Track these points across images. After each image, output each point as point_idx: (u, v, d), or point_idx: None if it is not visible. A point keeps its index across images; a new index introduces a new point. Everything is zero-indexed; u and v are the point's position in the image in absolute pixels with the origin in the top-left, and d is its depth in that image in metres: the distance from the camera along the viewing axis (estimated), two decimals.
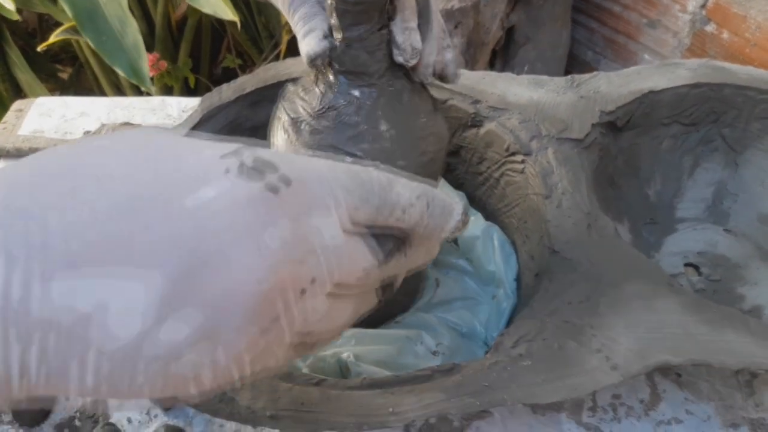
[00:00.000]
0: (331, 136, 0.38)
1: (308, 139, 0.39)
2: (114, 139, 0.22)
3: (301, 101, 0.40)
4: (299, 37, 0.37)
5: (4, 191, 0.20)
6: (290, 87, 0.42)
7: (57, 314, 0.18)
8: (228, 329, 0.21)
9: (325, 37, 0.36)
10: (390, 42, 0.38)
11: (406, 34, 0.38)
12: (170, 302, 0.19)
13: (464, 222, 0.28)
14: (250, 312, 0.21)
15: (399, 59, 0.38)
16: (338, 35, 0.37)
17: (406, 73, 0.41)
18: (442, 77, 0.42)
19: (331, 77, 0.39)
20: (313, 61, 0.37)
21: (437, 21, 0.40)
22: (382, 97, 0.39)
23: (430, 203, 0.27)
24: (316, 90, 0.40)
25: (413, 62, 0.39)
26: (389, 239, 0.26)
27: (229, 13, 0.94)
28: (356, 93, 0.39)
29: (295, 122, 0.40)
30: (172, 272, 0.20)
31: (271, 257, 0.21)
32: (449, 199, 0.28)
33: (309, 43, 0.37)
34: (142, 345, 0.19)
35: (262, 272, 0.21)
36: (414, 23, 0.38)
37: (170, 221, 0.20)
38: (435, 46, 0.40)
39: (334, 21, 0.37)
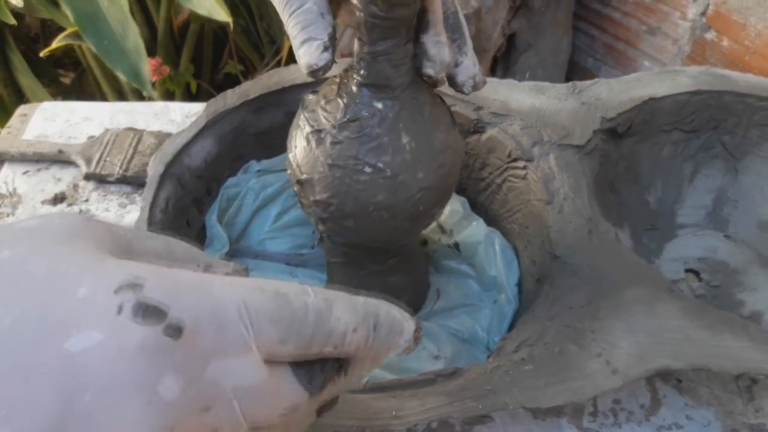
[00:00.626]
0: (353, 147, 0.39)
1: (329, 150, 0.39)
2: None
3: (324, 111, 0.40)
4: (295, 43, 0.36)
5: None
6: (311, 97, 0.42)
7: None
8: None
9: (326, 48, 0.35)
10: (414, 56, 0.39)
11: (437, 47, 0.38)
12: None
13: (417, 339, 0.26)
14: None
15: (429, 72, 0.38)
16: (365, 48, 0.38)
17: (427, 86, 0.41)
18: (474, 86, 0.42)
19: (354, 89, 0.39)
20: (314, 73, 0.36)
21: (468, 33, 0.41)
22: (404, 110, 0.39)
23: (376, 324, 0.24)
24: (339, 101, 0.39)
25: (441, 75, 0.39)
26: (326, 364, 0.23)
27: (222, 14, 0.94)
28: (379, 105, 0.39)
29: (318, 133, 0.40)
30: None
31: (165, 411, 0.18)
32: (400, 314, 0.25)
33: (309, 54, 0.35)
34: None
35: (153, 427, 0.18)
36: (444, 37, 0.38)
37: (46, 369, 0.17)
38: (474, 57, 0.40)
39: (362, 35, 0.37)
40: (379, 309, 0.25)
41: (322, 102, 0.40)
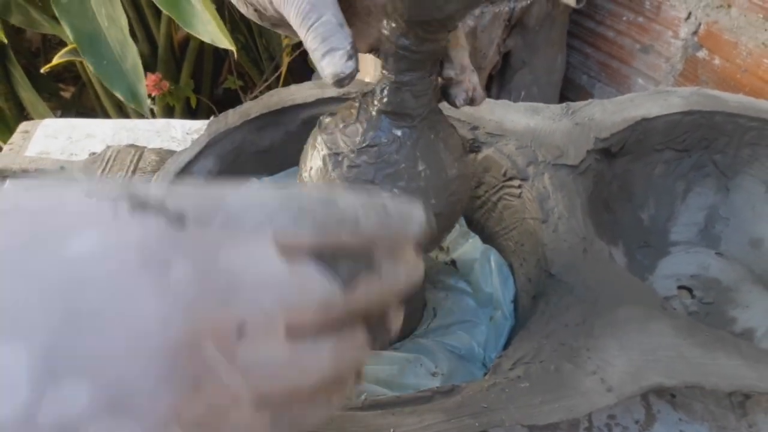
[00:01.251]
0: (370, 172, 0.39)
1: (346, 173, 0.39)
2: None
3: (342, 135, 0.40)
4: (317, 56, 0.35)
5: None
6: (327, 119, 0.42)
7: None
8: (138, 394, 0.17)
9: (350, 57, 0.34)
10: (435, 87, 0.40)
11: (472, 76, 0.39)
12: (46, 375, 0.16)
13: (431, 223, 0.25)
14: (163, 368, 0.17)
15: (460, 101, 0.40)
16: (390, 77, 0.38)
17: (444, 116, 0.42)
18: (472, 100, 0.42)
19: (375, 115, 0.40)
20: (340, 81, 0.35)
21: (465, 44, 0.42)
22: (422, 138, 0.40)
23: (386, 210, 0.23)
24: (358, 126, 0.40)
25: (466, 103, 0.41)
26: (347, 261, 0.22)
27: (226, 43, 0.96)
28: (398, 133, 0.39)
29: (335, 156, 0.40)
30: (46, 337, 0.16)
31: (179, 300, 0.17)
32: (404, 204, 0.25)
33: (333, 63, 0.34)
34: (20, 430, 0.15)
35: (169, 318, 0.17)
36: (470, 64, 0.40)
37: (45, 275, 0.17)
38: (472, 73, 0.41)
39: (388, 64, 0.38)
40: (383, 198, 0.24)
41: (341, 125, 0.41)
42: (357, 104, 0.41)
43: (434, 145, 0.40)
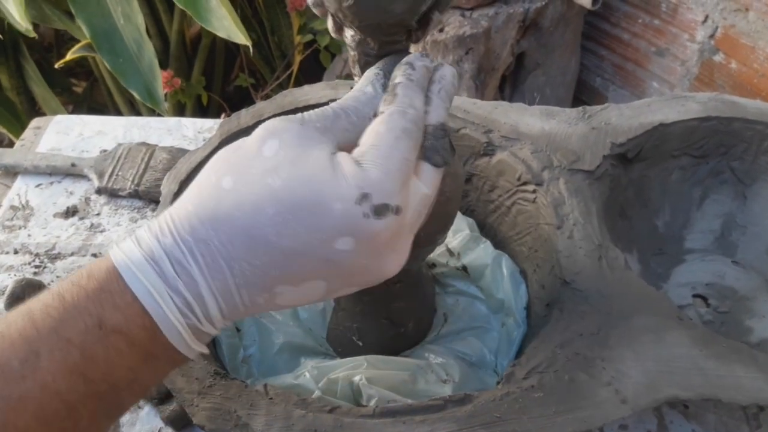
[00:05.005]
0: None
1: None
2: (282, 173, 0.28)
3: None
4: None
5: None
6: None
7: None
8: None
9: None
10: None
11: None
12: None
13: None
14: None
15: None
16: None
17: None
18: None
19: None
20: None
21: None
22: None
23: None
24: None
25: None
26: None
27: (242, 38, 0.95)
28: None
29: None
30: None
31: (399, 251, 0.31)
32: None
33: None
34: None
35: (397, 257, 0.30)
36: None
37: (326, 259, 0.28)
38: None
39: (357, 71, 0.38)
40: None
41: None
42: None
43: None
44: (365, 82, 0.33)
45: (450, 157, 0.35)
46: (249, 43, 0.96)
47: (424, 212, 0.31)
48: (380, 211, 0.28)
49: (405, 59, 0.34)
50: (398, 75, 0.33)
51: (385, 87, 0.33)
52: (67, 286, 0.27)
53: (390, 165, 0.29)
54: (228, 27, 0.95)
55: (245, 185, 0.27)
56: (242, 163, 0.28)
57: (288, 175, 0.27)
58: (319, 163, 0.28)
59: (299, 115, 0.31)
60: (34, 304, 0.27)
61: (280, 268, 0.27)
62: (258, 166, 0.28)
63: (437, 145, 0.32)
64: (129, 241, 0.28)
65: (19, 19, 0.92)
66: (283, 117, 0.30)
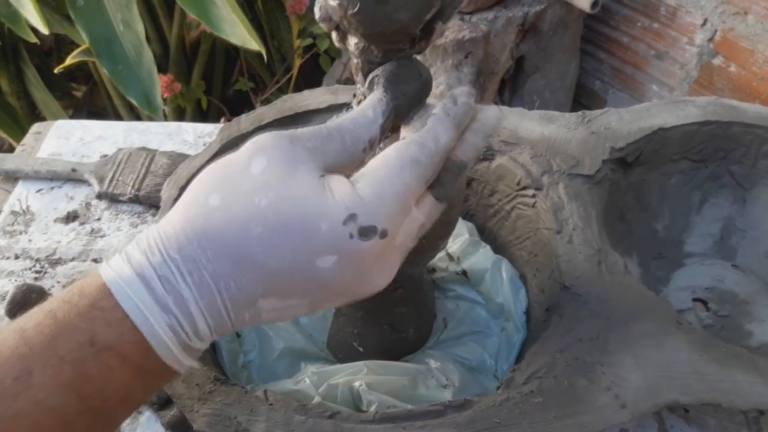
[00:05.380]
0: None
1: None
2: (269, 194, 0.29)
3: None
4: None
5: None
6: None
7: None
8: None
9: None
10: (415, 92, 0.39)
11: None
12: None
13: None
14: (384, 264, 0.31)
15: None
16: (362, 89, 0.38)
17: None
18: None
19: None
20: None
21: None
22: None
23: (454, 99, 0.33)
24: None
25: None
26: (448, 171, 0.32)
27: (254, 44, 0.95)
28: (380, 145, 0.39)
29: None
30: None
31: (383, 274, 0.31)
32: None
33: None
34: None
35: (380, 279, 0.31)
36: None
37: (310, 277, 0.28)
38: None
39: (360, 79, 0.38)
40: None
41: None
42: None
43: None
44: (368, 105, 0.33)
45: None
46: (263, 50, 0.96)
47: (417, 238, 0.32)
48: (366, 232, 0.28)
49: (452, 92, 0.34)
50: (438, 106, 0.33)
51: (385, 114, 0.33)
52: (59, 304, 0.28)
53: (386, 189, 0.29)
54: (241, 34, 0.95)
55: (232, 203, 0.28)
56: (230, 180, 0.29)
57: (275, 195, 0.28)
58: (306, 183, 0.29)
59: (291, 131, 0.31)
60: (26, 322, 0.28)
61: (266, 285, 0.28)
62: (245, 184, 0.28)
63: (447, 180, 0.32)
64: (119, 258, 0.29)
65: (37, 24, 0.93)
66: (273, 133, 0.31)
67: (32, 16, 0.92)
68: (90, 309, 0.27)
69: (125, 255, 0.29)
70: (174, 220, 0.29)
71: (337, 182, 0.29)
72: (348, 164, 0.32)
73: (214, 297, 0.28)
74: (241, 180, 0.29)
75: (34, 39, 1.01)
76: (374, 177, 0.30)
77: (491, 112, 0.34)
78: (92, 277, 0.29)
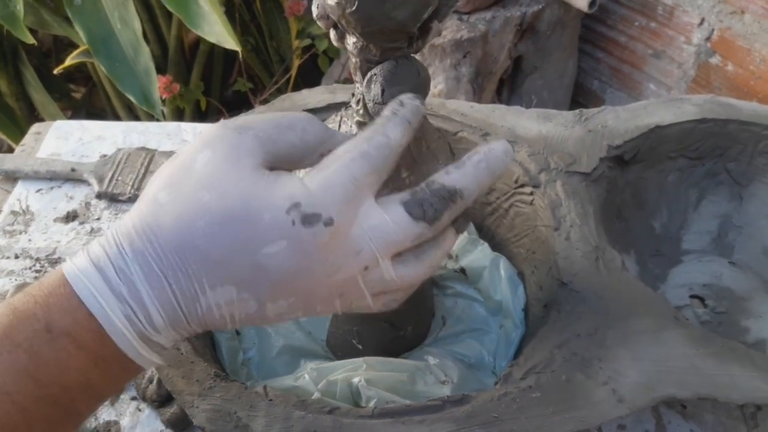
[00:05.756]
0: None
1: None
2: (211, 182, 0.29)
3: None
4: None
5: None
6: None
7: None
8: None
9: None
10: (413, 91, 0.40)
11: None
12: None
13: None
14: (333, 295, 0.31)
15: None
16: (361, 89, 0.39)
17: (426, 121, 0.42)
18: None
19: (354, 127, 0.40)
20: None
21: None
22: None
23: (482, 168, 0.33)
24: None
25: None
26: (436, 197, 0.32)
27: (231, 43, 0.96)
28: None
29: None
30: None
31: (337, 274, 0.30)
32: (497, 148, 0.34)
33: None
34: None
35: (333, 280, 0.30)
36: None
37: (254, 266, 0.29)
38: None
39: (359, 78, 0.38)
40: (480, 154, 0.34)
41: None
42: (338, 118, 0.42)
43: (416, 151, 0.40)
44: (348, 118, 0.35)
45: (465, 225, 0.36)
46: (239, 49, 0.96)
47: (384, 241, 0.31)
48: (309, 219, 0.29)
49: (399, 97, 0.34)
50: (385, 109, 0.33)
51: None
52: (19, 296, 0.29)
53: (332, 179, 0.30)
54: (219, 32, 0.96)
55: (178, 198, 0.29)
56: (176, 176, 0.30)
57: (218, 189, 0.29)
58: (250, 176, 0.29)
59: (245, 118, 0.32)
60: None
61: (211, 275, 0.29)
62: (191, 179, 0.29)
63: (426, 200, 0.31)
64: (80, 253, 0.30)
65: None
66: (223, 122, 0.31)
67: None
68: (47, 297, 0.28)
69: (85, 250, 0.30)
70: (130, 217, 0.30)
71: (284, 175, 0.30)
72: (300, 160, 0.32)
73: (164, 288, 0.28)
74: (186, 175, 0.29)
75: (31, 40, 1.01)
76: (322, 170, 0.30)
77: (498, 146, 0.34)
78: (53, 272, 0.30)
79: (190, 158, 0.30)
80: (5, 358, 0.27)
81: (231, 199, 0.28)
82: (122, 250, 0.29)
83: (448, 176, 0.32)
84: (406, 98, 0.34)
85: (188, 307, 0.29)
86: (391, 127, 0.32)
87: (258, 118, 0.32)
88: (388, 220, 0.31)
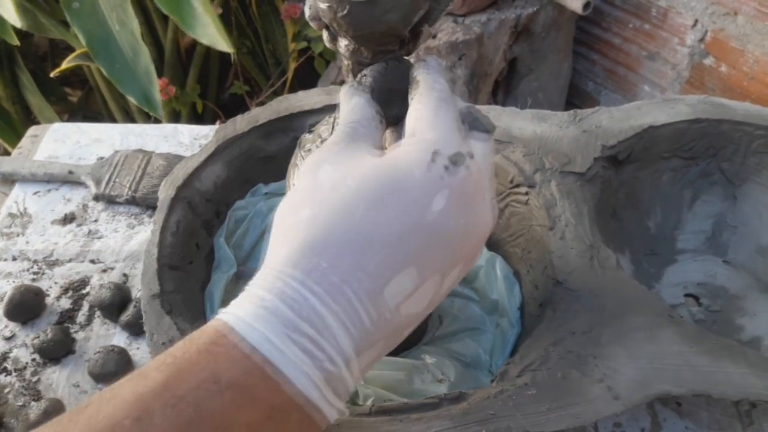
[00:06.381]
0: None
1: None
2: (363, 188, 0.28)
3: None
4: None
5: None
6: (307, 136, 0.44)
7: None
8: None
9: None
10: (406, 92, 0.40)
11: None
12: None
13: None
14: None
15: None
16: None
17: None
18: None
19: None
20: None
21: None
22: None
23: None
24: None
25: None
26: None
27: (224, 45, 0.96)
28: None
29: None
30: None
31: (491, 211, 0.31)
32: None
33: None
34: None
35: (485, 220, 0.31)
36: None
37: (428, 234, 0.28)
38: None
39: (350, 79, 0.38)
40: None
41: (318, 141, 0.42)
42: (332, 120, 0.42)
43: None
44: (347, 98, 0.34)
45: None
46: (232, 51, 0.97)
47: (492, 166, 0.32)
48: (456, 159, 0.28)
49: (419, 63, 0.35)
50: (416, 71, 0.34)
51: (371, 92, 0.35)
52: (179, 344, 0.26)
53: (442, 124, 0.30)
54: (211, 35, 0.96)
55: (323, 206, 0.27)
56: (309, 195, 0.28)
57: (356, 177, 0.28)
58: (377, 155, 0.29)
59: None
60: (148, 364, 0.26)
61: (390, 260, 0.27)
62: (324, 188, 0.28)
63: (475, 117, 0.33)
64: (232, 303, 0.27)
65: (12, 20, 0.93)
66: (316, 152, 0.31)
67: (7, 11, 0.93)
68: (210, 345, 0.25)
69: (239, 299, 0.27)
70: (277, 251, 0.27)
71: (398, 143, 0.30)
72: (380, 144, 0.33)
73: (348, 296, 0.26)
74: (318, 188, 0.28)
75: (16, 41, 1.01)
76: (425, 123, 0.30)
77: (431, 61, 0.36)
78: (209, 323, 0.27)
79: (309, 179, 0.29)
80: (169, 414, 0.24)
81: (373, 178, 0.28)
82: (289, 278, 0.26)
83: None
84: (430, 59, 0.35)
85: (376, 310, 0.27)
86: (436, 78, 0.33)
87: (328, 140, 0.32)
88: (482, 143, 0.31)
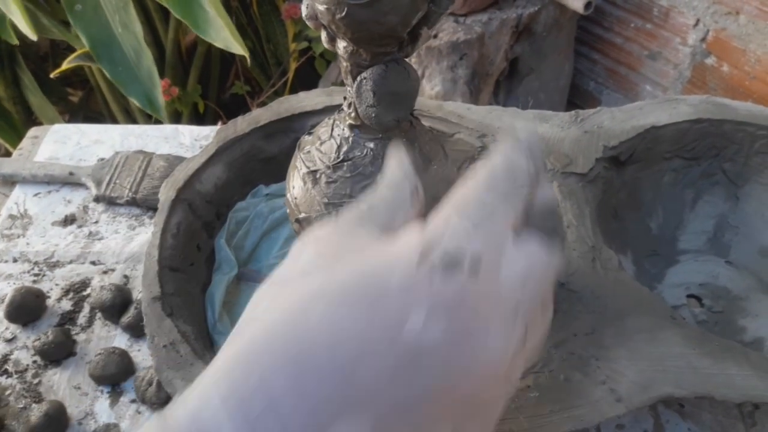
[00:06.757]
0: (347, 185, 0.40)
1: (325, 189, 0.41)
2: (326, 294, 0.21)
3: (318, 153, 0.42)
4: None
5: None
6: (306, 138, 0.44)
7: None
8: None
9: None
10: (406, 95, 0.40)
11: None
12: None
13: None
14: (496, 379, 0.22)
15: None
16: (353, 92, 0.39)
17: (419, 122, 0.42)
18: None
19: (346, 130, 0.41)
20: None
21: None
22: None
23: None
24: (332, 142, 0.41)
25: None
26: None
27: (239, 48, 0.96)
28: (371, 145, 0.40)
29: (313, 173, 0.41)
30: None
31: (510, 337, 0.22)
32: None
33: None
34: None
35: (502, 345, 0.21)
36: None
37: (397, 364, 0.19)
38: None
39: (350, 81, 0.38)
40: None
41: (317, 143, 0.42)
42: (331, 121, 0.42)
43: (410, 152, 0.40)
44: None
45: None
46: (246, 54, 0.96)
47: (539, 298, 0.23)
48: (450, 262, 0.21)
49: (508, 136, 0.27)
50: (500, 145, 0.26)
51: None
52: None
53: (471, 212, 0.23)
54: (225, 38, 0.96)
55: (277, 301, 0.22)
56: (280, 278, 0.24)
57: (322, 273, 0.22)
58: (366, 244, 0.24)
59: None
60: None
61: (338, 393, 0.19)
62: (293, 277, 0.23)
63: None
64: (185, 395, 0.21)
65: (25, 30, 0.93)
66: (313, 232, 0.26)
67: (20, 22, 0.93)
68: None
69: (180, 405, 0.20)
70: (222, 350, 0.22)
71: (401, 234, 0.23)
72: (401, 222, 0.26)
73: None
74: (288, 275, 0.24)
75: (15, 41, 1.01)
76: (449, 203, 0.24)
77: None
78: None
79: (295, 255, 0.24)
80: None
81: (343, 275, 0.21)
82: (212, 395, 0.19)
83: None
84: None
85: None
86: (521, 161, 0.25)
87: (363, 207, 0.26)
88: (536, 253, 0.23)
